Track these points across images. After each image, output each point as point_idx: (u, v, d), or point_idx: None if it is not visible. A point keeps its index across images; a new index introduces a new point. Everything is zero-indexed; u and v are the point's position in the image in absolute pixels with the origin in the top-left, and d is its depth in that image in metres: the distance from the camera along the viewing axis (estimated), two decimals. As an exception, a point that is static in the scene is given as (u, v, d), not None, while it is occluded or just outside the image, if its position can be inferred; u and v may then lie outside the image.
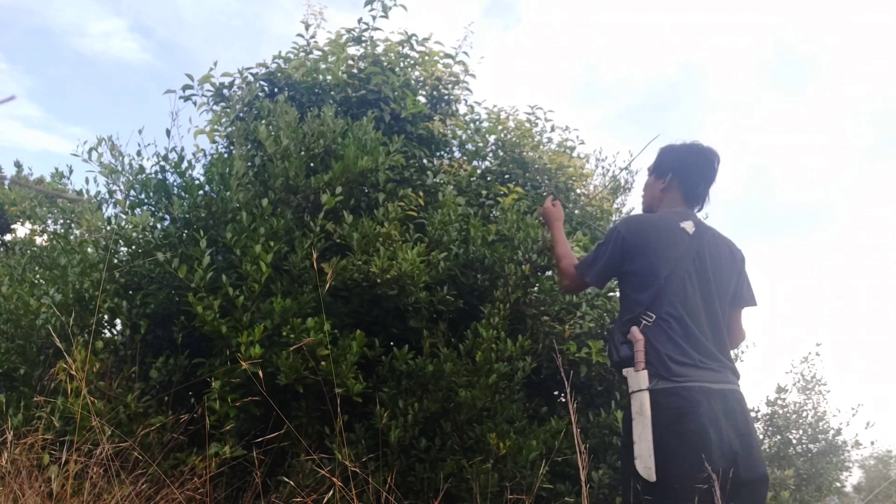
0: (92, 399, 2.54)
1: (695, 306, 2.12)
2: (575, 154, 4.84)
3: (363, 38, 4.26)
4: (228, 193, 3.03)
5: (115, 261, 3.13)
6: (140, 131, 3.26)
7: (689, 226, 2.25)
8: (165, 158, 3.27)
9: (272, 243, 2.82)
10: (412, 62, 4.34)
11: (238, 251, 2.85)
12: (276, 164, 3.19)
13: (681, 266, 2.15)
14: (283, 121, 3.26)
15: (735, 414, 2.00)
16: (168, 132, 3.25)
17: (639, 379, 2.03)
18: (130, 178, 3.21)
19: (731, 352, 2.23)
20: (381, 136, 3.37)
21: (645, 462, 1.90)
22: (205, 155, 3.62)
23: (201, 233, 2.90)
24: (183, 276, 2.75)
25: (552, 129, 4.84)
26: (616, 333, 2.18)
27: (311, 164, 3.37)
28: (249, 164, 3.26)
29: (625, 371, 2.10)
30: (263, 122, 3.35)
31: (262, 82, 4.19)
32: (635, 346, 2.07)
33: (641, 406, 1.97)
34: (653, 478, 1.88)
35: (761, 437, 6.36)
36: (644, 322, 2.11)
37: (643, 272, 2.18)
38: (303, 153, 3.29)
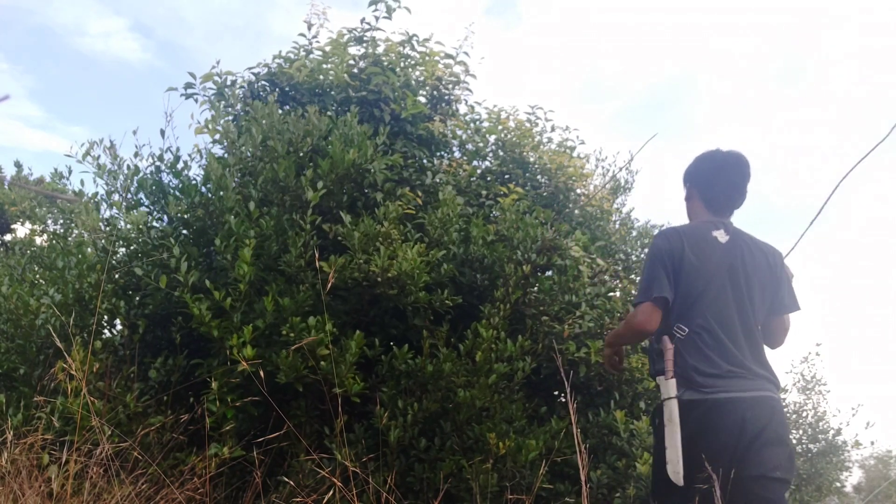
0: (91, 399, 2.54)
1: (728, 317, 2.14)
2: (575, 154, 4.84)
3: (364, 39, 4.26)
4: (222, 194, 3.03)
5: (114, 261, 3.13)
6: (135, 132, 3.26)
7: (721, 235, 2.24)
8: (161, 158, 3.27)
9: (250, 241, 2.81)
10: (413, 62, 4.34)
11: (229, 256, 2.85)
12: (264, 165, 3.19)
13: (716, 277, 2.16)
14: (269, 122, 3.27)
15: (762, 420, 2.02)
16: (162, 132, 3.25)
17: (668, 387, 2.07)
18: (127, 178, 3.21)
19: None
20: (367, 130, 3.35)
21: (674, 467, 1.97)
22: (201, 155, 3.62)
23: (174, 239, 2.91)
24: (164, 286, 2.76)
25: (552, 129, 4.84)
26: (654, 345, 2.21)
27: (301, 164, 3.37)
28: (238, 165, 3.26)
29: (657, 379, 2.15)
30: (253, 123, 3.35)
31: (263, 82, 4.19)
32: (665, 354, 2.11)
33: (671, 413, 2.02)
34: (681, 482, 1.95)
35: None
36: (677, 334, 2.13)
37: (680, 284, 2.17)
38: (291, 153, 3.29)
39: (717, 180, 2.30)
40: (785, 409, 2.24)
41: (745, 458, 1.97)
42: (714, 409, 2.01)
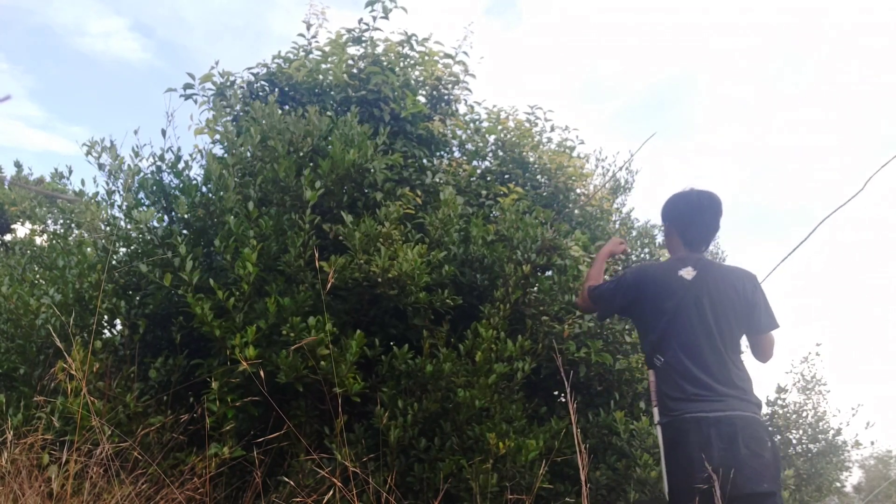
0: (91, 399, 2.54)
1: (695, 346, 2.38)
2: (575, 154, 4.84)
3: (363, 39, 4.26)
4: (222, 194, 3.03)
5: (114, 261, 3.13)
6: (136, 132, 3.26)
7: (687, 272, 2.47)
8: (161, 158, 3.27)
9: (255, 242, 2.81)
10: (412, 62, 4.34)
11: (228, 256, 2.85)
12: (264, 165, 3.19)
13: (681, 312, 2.42)
14: (269, 122, 3.27)
15: (729, 436, 2.22)
16: (164, 132, 3.25)
17: (655, 414, 2.43)
18: (128, 178, 3.21)
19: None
20: (367, 130, 3.36)
21: (664, 483, 2.30)
22: (202, 155, 3.62)
23: (181, 237, 2.91)
24: (168, 284, 2.76)
25: (552, 129, 4.84)
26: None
27: (301, 164, 3.37)
28: (238, 166, 3.27)
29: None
30: (253, 123, 3.36)
31: (263, 82, 4.20)
32: (650, 387, 2.47)
33: (660, 437, 2.37)
34: (666, 497, 2.30)
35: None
36: (656, 363, 2.44)
37: (644, 319, 2.51)
38: (291, 153, 3.29)
39: (692, 221, 2.55)
40: (764, 422, 2.46)
41: (732, 478, 2.14)
42: (680, 429, 2.28)
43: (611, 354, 3.19)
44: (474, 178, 4.10)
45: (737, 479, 2.15)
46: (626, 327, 3.34)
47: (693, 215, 2.55)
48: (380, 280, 2.98)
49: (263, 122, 3.32)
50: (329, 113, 3.63)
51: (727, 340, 2.41)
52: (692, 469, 2.17)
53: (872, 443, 6.65)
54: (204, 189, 3.20)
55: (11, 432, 2.46)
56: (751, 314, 2.45)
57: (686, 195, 2.58)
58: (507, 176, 4.41)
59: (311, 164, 3.39)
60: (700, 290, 2.43)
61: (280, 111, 3.49)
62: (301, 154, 3.36)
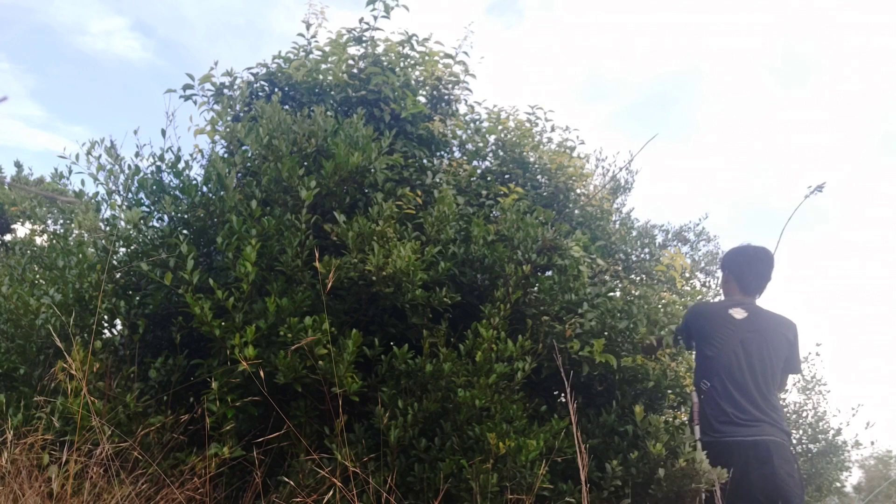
0: (91, 399, 2.54)
1: (739, 377, 2.82)
2: (575, 154, 4.84)
3: (364, 38, 4.26)
4: (223, 194, 3.03)
5: (114, 261, 3.13)
6: (135, 132, 3.26)
7: (737, 312, 2.93)
8: (161, 158, 3.26)
9: (255, 242, 2.81)
10: (412, 62, 4.34)
11: (230, 254, 2.85)
12: (268, 165, 3.19)
13: (727, 345, 2.87)
14: (274, 122, 3.27)
15: (765, 459, 2.67)
16: (163, 132, 3.24)
17: (697, 432, 2.84)
18: (128, 178, 3.21)
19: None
20: (372, 132, 3.37)
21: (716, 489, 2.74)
22: (202, 155, 3.62)
23: (182, 237, 2.90)
24: (169, 283, 2.76)
25: (552, 129, 4.84)
26: (691, 398, 3.00)
27: (305, 164, 3.37)
28: (241, 165, 3.27)
29: (690, 424, 2.93)
30: (258, 122, 3.35)
31: (262, 82, 4.19)
32: (693, 407, 2.90)
33: (701, 452, 2.76)
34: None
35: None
36: (702, 387, 2.90)
37: (698, 349, 3.00)
38: (295, 153, 3.29)
39: (748, 270, 3.01)
40: (791, 449, 2.92)
41: (775, 492, 2.61)
42: (722, 451, 2.72)
43: (614, 355, 3.18)
44: (474, 178, 4.10)
45: (781, 493, 2.60)
46: (630, 326, 3.33)
47: (749, 265, 3.00)
48: (375, 278, 2.98)
49: (265, 120, 3.32)
50: (329, 113, 3.63)
51: (768, 376, 2.84)
52: (736, 487, 2.63)
53: (872, 443, 6.65)
54: (204, 189, 3.20)
55: (11, 432, 2.46)
56: (790, 357, 2.93)
57: (744, 248, 3.08)
58: (507, 176, 4.41)
59: (314, 165, 3.39)
60: (748, 331, 2.87)
61: (283, 111, 3.49)
62: (304, 154, 3.36)
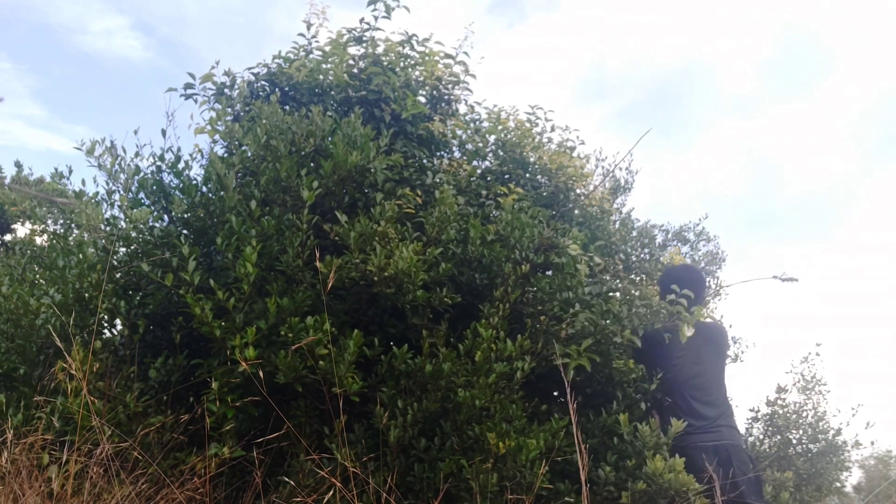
0: (91, 399, 2.54)
1: (696, 388, 3.32)
2: (575, 154, 4.84)
3: (364, 38, 4.26)
4: (223, 194, 3.03)
5: (115, 261, 3.13)
6: (136, 131, 3.26)
7: (686, 329, 3.22)
8: (161, 158, 3.27)
9: (255, 242, 2.81)
10: (413, 62, 4.33)
11: (230, 255, 2.85)
12: (267, 165, 3.19)
13: (683, 364, 3.36)
14: (272, 122, 3.27)
15: (725, 461, 3.11)
16: (164, 132, 3.24)
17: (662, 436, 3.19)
18: (128, 178, 3.21)
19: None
20: (370, 132, 3.36)
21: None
22: (202, 155, 3.62)
23: (184, 238, 2.90)
24: (170, 284, 2.76)
25: (552, 129, 4.83)
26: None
27: (303, 164, 3.37)
28: (240, 165, 3.27)
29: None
30: (256, 123, 3.36)
31: (263, 82, 4.19)
32: (657, 421, 3.18)
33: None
34: None
35: (762, 437, 6.39)
36: (664, 404, 3.38)
37: (658, 370, 3.37)
38: (293, 153, 3.29)
39: (694, 286, 3.34)
40: (745, 448, 3.60)
41: (733, 489, 3.00)
42: (684, 454, 3.03)
43: (601, 355, 3.17)
44: (474, 178, 4.10)
45: (737, 490, 2.98)
46: (618, 329, 3.30)
47: (693, 282, 3.39)
48: (376, 279, 2.98)
49: (264, 121, 3.32)
50: (330, 113, 3.63)
51: (720, 380, 3.39)
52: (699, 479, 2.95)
53: (872, 443, 6.63)
54: (204, 189, 3.20)
55: (11, 432, 2.46)
56: (723, 356, 3.54)
57: (686, 267, 3.86)
58: (507, 176, 4.40)
59: (312, 165, 3.39)
60: (698, 344, 3.35)
61: (282, 111, 3.49)
62: (303, 154, 3.36)
